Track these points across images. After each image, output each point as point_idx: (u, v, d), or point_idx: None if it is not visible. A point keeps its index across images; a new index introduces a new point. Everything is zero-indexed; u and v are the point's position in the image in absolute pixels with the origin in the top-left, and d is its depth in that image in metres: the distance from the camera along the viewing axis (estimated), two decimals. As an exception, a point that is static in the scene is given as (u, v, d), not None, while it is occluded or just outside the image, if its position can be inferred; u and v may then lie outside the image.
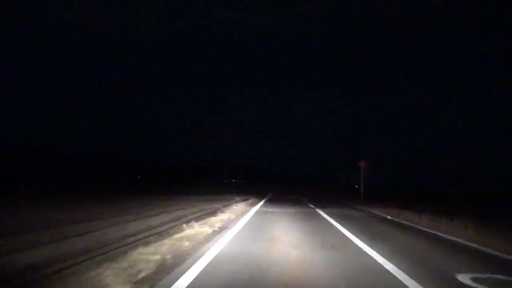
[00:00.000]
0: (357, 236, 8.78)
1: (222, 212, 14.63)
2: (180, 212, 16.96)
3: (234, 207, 17.04)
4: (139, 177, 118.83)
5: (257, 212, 14.87)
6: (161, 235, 8.52)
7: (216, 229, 9.60)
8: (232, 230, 9.31)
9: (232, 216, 13.35)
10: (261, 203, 22.17)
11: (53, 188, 37.86)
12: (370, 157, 26.16)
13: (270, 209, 16.70)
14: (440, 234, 10.01)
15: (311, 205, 20.80)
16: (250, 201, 22.68)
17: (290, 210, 16.93)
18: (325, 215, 14.40)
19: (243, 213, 14.58)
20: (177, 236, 8.26)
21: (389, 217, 15.38)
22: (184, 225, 10.13)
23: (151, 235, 9.01)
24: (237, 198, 27.77)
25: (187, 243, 7.12)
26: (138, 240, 7.97)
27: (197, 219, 12.05)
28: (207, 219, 12.04)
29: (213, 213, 15.18)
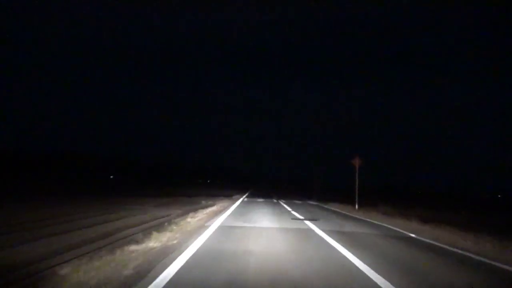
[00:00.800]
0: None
1: (166, 229, 9.36)
2: (117, 223, 12.15)
3: (189, 219, 11.78)
4: (113, 175, 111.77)
5: (219, 230, 9.71)
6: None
7: (130, 272, 4.41)
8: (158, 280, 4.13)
9: (178, 235, 8.20)
10: (232, 209, 17.02)
11: (20, 188, 33.88)
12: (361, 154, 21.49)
13: (240, 223, 11.55)
14: None
15: (298, 215, 15.75)
16: (216, 207, 17.38)
17: (270, 224, 11.83)
18: (324, 236, 9.36)
19: (199, 230, 9.44)
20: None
21: (412, 235, 10.56)
22: (85, 260, 4.93)
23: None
24: (205, 202, 22.63)
25: None
26: None
27: (117, 244, 6.79)
28: (136, 244, 6.83)
29: (160, 226, 10.10)
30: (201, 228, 10.02)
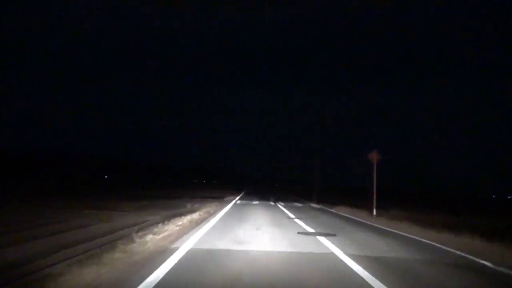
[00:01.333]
0: None
1: (103, 258, 5.64)
2: (57, 238, 9.47)
3: (150, 236, 8.03)
4: (106, 176, 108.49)
5: (186, 260, 6.04)
6: None
7: None
8: None
9: (108, 276, 4.52)
10: (219, 216, 13.36)
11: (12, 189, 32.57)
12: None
13: (224, 244, 7.89)
14: None
15: (306, 226, 12.06)
16: (199, 214, 13.63)
17: (269, 244, 8.19)
18: (360, 271, 5.67)
19: (155, 259, 5.80)
20: None
21: (487, 263, 6.92)
22: None
23: None
24: (190, 206, 19.05)
25: None
26: None
27: None
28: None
29: (103, 249, 6.53)
30: (162, 254, 6.33)
